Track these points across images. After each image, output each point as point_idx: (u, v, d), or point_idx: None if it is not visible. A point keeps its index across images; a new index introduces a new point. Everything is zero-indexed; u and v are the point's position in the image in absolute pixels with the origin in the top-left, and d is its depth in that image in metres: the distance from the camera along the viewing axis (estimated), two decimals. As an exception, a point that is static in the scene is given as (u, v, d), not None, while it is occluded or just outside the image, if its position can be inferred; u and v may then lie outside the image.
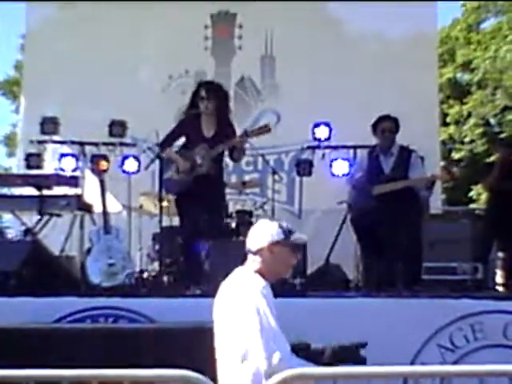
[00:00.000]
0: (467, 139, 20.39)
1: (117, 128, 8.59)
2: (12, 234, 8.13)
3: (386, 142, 7.26)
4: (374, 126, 7.31)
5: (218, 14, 10.67)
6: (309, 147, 8.83)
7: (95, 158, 8.29)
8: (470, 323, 5.21)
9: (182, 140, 6.93)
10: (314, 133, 8.42)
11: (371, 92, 9.82)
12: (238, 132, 6.76)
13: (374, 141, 7.43)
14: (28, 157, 8.70)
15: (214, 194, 6.62)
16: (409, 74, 9.97)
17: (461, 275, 6.40)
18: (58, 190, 7.65)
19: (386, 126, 7.26)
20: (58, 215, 7.65)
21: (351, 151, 8.47)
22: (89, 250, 6.75)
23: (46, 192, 7.51)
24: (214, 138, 6.63)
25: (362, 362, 3.92)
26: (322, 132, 8.40)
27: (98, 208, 7.38)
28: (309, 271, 6.61)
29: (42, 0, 10.97)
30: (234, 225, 8.01)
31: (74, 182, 7.85)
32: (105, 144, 8.60)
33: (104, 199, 7.14)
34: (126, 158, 8.58)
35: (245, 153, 6.82)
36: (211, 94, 6.63)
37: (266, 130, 6.63)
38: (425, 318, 5.24)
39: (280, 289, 5.48)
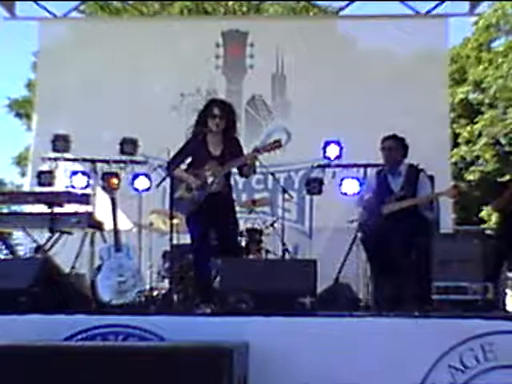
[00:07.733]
0: (478, 159, 20.32)
1: (128, 146, 8.66)
2: (23, 251, 8.14)
3: (389, 160, 7.26)
4: (381, 145, 7.34)
5: (230, 33, 10.73)
6: (319, 166, 8.84)
7: (106, 176, 8.33)
8: (481, 343, 5.17)
9: (188, 159, 6.88)
10: (324, 151, 8.45)
11: (382, 111, 9.85)
12: (245, 149, 6.72)
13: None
14: (39, 174, 8.74)
15: (225, 212, 6.60)
16: (420, 92, 10.01)
17: (471, 295, 6.36)
18: (68, 208, 7.70)
19: (388, 144, 7.25)
20: (69, 233, 7.69)
21: (361, 170, 8.47)
22: (99, 268, 6.78)
23: (56, 209, 7.56)
24: (221, 156, 6.58)
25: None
26: (332, 150, 8.44)
27: (108, 225, 7.41)
28: (318, 290, 6.59)
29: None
30: (244, 243, 8.02)
31: (85, 199, 7.89)
32: (116, 162, 8.65)
33: (115, 217, 7.16)
34: (136, 175, 8.63)
35: (255, 170, 6.79)
36: (224, 112, 6.60)
37: (277, 145, 6.56)
38: (435, 337, 5.20)
39: (290, 308, 5.53)
